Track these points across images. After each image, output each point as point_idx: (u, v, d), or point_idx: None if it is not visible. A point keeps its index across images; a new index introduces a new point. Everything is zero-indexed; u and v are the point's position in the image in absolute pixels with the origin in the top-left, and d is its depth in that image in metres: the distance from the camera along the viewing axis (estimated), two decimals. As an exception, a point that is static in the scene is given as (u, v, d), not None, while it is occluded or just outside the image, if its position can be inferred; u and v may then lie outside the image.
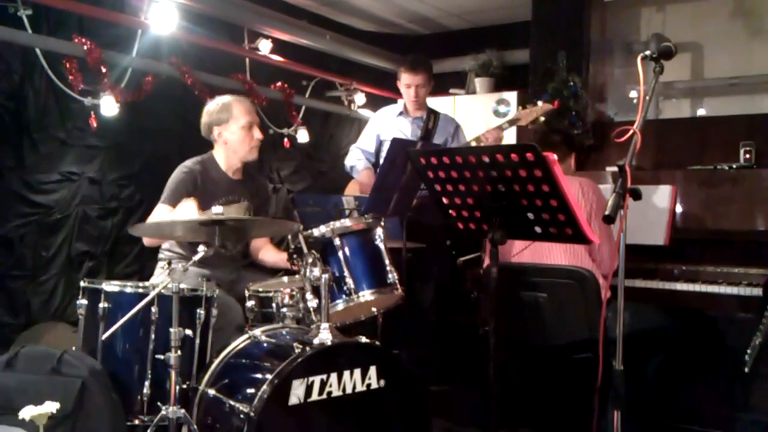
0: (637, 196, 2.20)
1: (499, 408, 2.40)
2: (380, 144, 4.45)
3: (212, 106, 3.44)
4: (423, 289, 4.23)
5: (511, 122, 4.08)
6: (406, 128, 4.36)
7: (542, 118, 4.18)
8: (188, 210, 3.03)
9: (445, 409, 4.20)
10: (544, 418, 3.77)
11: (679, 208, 3.70)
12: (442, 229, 4.01)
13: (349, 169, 4.48)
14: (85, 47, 3.89)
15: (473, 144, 4.11)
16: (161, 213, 3.24)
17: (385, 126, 4.43)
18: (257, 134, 3.40)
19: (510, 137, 5.21)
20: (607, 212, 2.14)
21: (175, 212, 3.15)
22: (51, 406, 2.34)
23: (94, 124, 4.04)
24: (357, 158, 4.45)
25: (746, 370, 2.87)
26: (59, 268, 4.16)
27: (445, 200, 2.51)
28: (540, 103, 4.07)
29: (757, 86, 4.63)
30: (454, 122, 4.44)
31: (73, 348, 2.78)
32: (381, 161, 4.43)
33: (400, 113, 4.43)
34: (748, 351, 2.88)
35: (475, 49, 5.90)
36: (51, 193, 4.13)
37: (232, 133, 3.39)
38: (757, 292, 3.16)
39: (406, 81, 4.29)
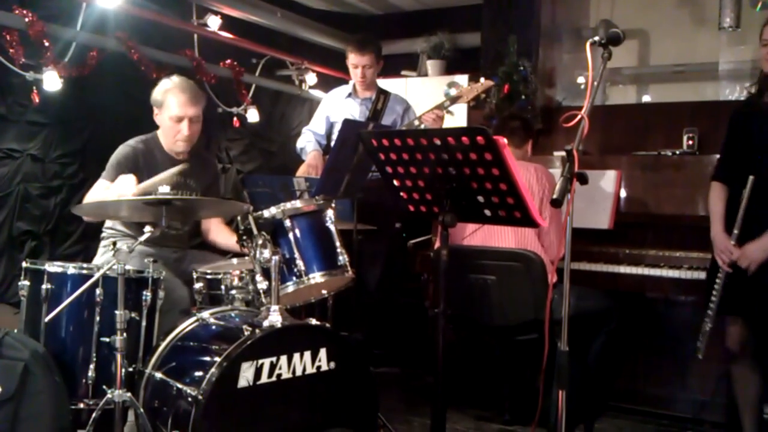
0: (584, 180, 2.23)
1: (447, 388, 2.43)
2: (330, 126, 4.42)
3: (158, 86, 3.35)
4: (373, 271, 4.23)
5: (453, 99, 4.05)
6: (355, 110, 4.33)
7: (483, 95, 4.18)
8: (126, 184, 2.94)
9: (394, 390, 4.24)
10: (490, 397, 3.84)
11: (623, 193, 3.78)
12: (393, 212, 4.01)
13: (300, 151, 4.45)
14: (27, 19, 3.77)
15: (417, 123, 4.09)
16: (100, 188, 3.16)
17: (335, 108, 4.40)
18: (185, 130, 3.26)
19: (461, 120, 5.24)
20: (555, 196, 2.17)
21: (112, 186, 3.04)
22: (-8, 390, 2.29)
23: (37, 100, 3.93)
24: (307, 140, 4.42)
25: (700, 356, 2.97)
26: (0, 247, 4.04)
27: (396, 182, 2.51)
28: (482, 80, 4.07)
29: (700, 74, 4.75)
30: (405, 102, 4.42)
31: (15, 330, 2.71)
32: (332, 143, 4.41)
33: (349, 94, 4.39)
34: (700, 338, 2.97)
35: (428, 31, 5.90)
36: (-10, 170, 4.01)
37: (162, 120, 3.32)
38: (698, 275, 3.26)
39: (353, 61, 4.24)
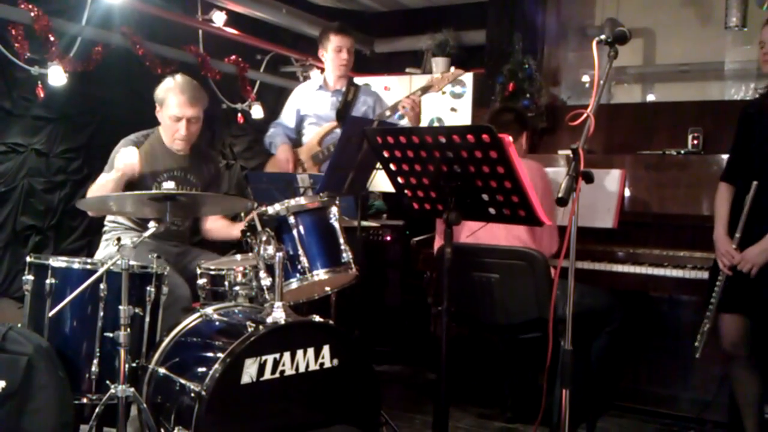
0: (589, 179, 2.23)
1: (450, 386, 2.43)
2: (301, 119, 4.40)
3: (162, 83, 3.37)
4: (377, 268, 4.23)
5: (424, 90, 4.01)
6: (326, 102, 4.30)
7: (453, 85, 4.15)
8: (128, 155, 3.10)
9: (397, 387, 4.25)
10: (493, 395, 3.84)
11: (627, 192, 3.78)
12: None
13: (268, 145, 4.38)
14: (32, 14, 3.77)
15: (387, 113, 4.04)
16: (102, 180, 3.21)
17: (305, 100, 4.37)
18: (182, 130, 3.31)
19: (465, 118, 5.23)
20: (560, 195, 2.17)
21: (115, 162, 3.17)
22: (-4, 384, 2.29)
23: (41, 95, 3.93)
24: (276, 134, 4.38)
25: (697, 356, 2.96)
26: (4, 242, 4.05)
27: (400, 180, 2.51)
28: (452, 69, 4.06)
29: (706, 73, 4.74)
30: (375, 94, 4.38)
31: (19, 324, 2.71)
32: (302, 137, 4.38)
33: (320, 87, 4.37)
34: (698, 337, 2.96)
35: (432, 29, 5.89)
36: (-5, 165, 4.01)
37: (162, 117, 3.37)
38: (702, 275, 3.25)
39: (339, 43, 4.17)
